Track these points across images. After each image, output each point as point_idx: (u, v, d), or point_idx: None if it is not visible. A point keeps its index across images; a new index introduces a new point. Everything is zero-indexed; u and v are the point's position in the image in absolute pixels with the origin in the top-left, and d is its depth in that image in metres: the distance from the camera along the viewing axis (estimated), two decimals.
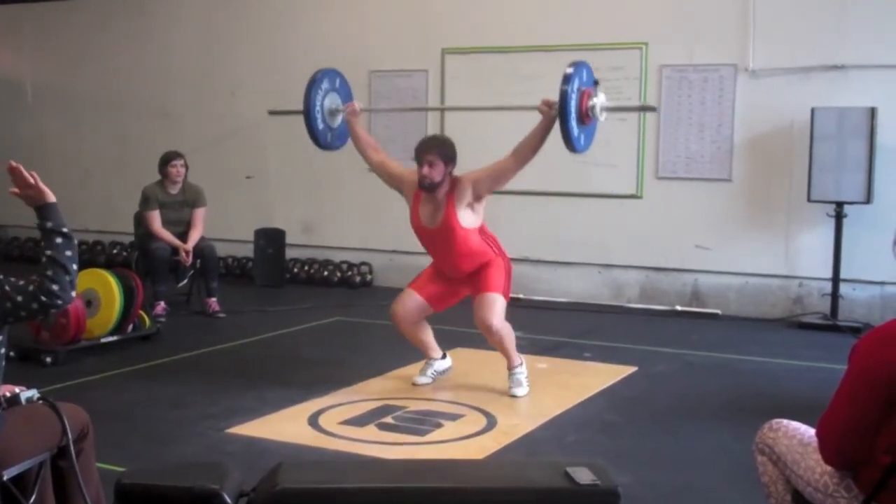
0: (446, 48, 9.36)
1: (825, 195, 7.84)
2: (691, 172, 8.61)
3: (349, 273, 9.99)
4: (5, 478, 3.01)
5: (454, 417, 5.38)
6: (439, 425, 5.25)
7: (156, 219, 8.25)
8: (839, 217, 7.85)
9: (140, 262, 8.50)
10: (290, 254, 10.15)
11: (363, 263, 10.01)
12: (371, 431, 5.15)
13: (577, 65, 5.41)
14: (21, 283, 3.00)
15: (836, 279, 7.95)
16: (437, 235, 5.71)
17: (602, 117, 5.52)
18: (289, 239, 10.03)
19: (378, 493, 2.80)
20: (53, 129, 11.60)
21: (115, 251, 11.00)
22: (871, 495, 2.75)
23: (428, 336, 6.01)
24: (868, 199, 7.74)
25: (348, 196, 9.94)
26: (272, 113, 6.98)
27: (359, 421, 5.30)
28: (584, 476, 2.76)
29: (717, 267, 8.61)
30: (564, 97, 5.28)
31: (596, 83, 5.54)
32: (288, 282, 10.00)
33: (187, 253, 8.21)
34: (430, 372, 5.97)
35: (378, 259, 9.86)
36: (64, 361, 6.45)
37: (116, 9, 11.12)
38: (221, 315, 8.27)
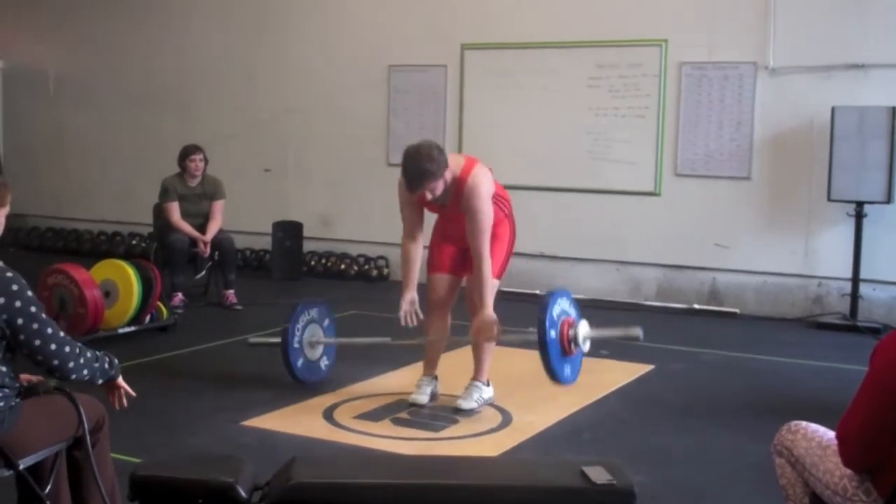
0: (465, 43, 9.34)
1: (845, 194, 7.79)
2: (710, 170, 8.56)
3: (366, 266, 10.00)
4: (21, 467, 3.02)
5: (469, 413, 5.36)
6: (454, 421, 5.25)
7: (175, 210, 8.28)
8: (859, 217, 7.81)
9: (158, 253, 8.53)
10: (308, 247, 10.16)
11: (380, 257, 10.01)
12: (386, 426, 5.15)
13: (553, 294, 5.07)
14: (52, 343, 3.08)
15: (855, 279, 7.90)
16: (446, 213, 5.50)
17: (586, 347, 5.14)
18: (306, 232, 10.05)
19: (392, 489, 2.80)
20: (74, 121, 11.61)
21: (133, 242, 11.01)
22: (889, 499, 2.73)
23: (441, 346, 5.71)
24: (888, 199, 7.68)
25: (366, 190, 9.94)
26: (251, 345, 6.08)
27: (374, 415, 5.31)
28: (599, 475, 2.75)
29: (735, 265, 8.57)
30: (543, 330, 4.83)
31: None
32: (305, 274, 10.01)
33: (205, 245, 8.24)
34: (429, 390, 5.58)
35: (395, 253, 9.74)
36: None
37: (137, 1, 11.17)
38: (238, 307, 8.28)
